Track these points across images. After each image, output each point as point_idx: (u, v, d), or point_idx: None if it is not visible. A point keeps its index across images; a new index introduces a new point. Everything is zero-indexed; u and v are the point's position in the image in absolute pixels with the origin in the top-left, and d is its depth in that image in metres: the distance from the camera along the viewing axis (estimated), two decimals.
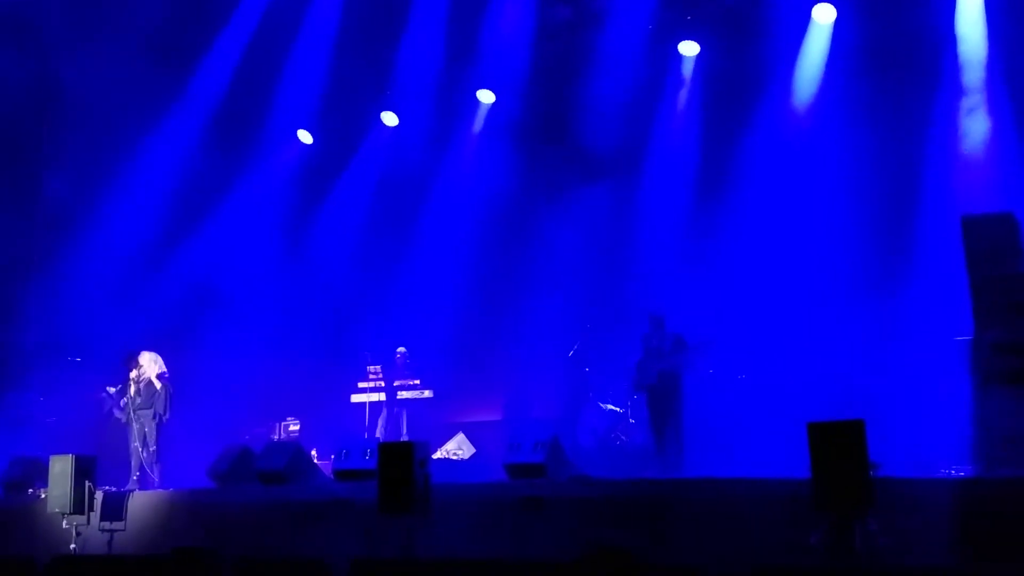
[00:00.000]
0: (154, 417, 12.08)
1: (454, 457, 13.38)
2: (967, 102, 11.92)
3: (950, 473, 7.61)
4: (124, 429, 12.28)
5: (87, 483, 9.61)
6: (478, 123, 15.51)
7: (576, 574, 3.79)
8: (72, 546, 9.49)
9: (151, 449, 11.98)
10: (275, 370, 15.27)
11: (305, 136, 16.21)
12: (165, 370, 12.36)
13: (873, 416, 6.44)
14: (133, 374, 12.23)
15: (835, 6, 12.87)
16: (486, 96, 15.32)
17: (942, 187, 11.73)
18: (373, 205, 16.13)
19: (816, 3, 12.93)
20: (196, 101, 14.92)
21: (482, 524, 7.97)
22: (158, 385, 12.14)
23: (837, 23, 12.93)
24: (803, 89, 13.15)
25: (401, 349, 14.37)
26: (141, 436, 11.97)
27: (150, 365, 12.28)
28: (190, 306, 14.80)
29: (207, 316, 14.87)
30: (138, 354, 12.39)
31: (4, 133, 13.56)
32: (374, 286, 15.69)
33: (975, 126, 11.85)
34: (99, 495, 9.91)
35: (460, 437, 13.83)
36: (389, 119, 16.00)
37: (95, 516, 9.76)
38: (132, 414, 12.08)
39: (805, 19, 13.12)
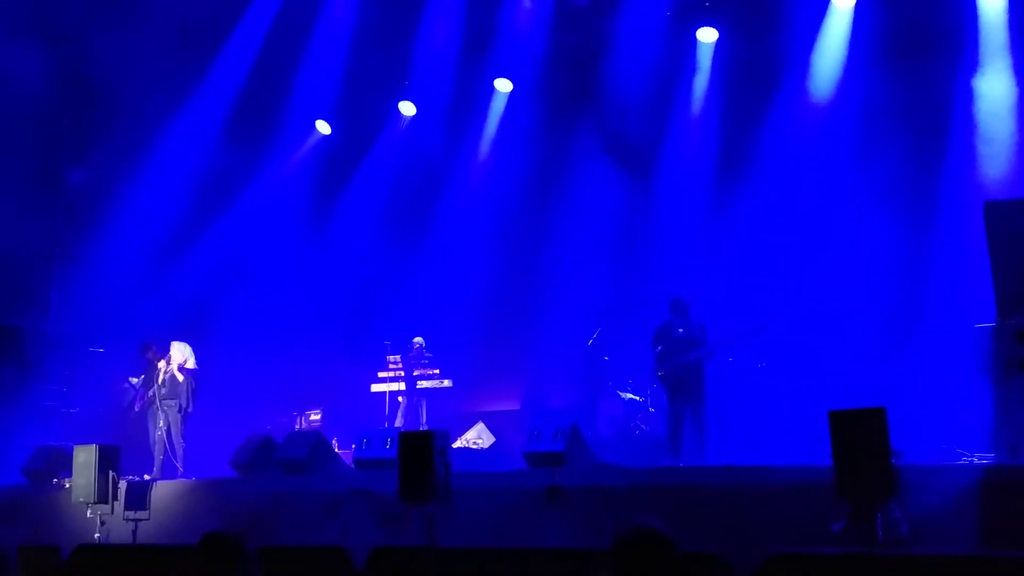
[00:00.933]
0: (178, 409, 12.18)
1: (474, 446, 13.42)
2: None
3: (972, 461, 7.58)
4: (146, 419, 12.38)
5: (111, 472, 9.68)
6: (496, 112, 15.48)
7: (608, 561, 3.72)
8: (96, 535, 9.57)
9: (176, 440, 12.07)
10: (296, 360, 15.36)
11: (324, 127, 16.23)
12: (192, 362, 12.45)
13: (895, 403, 6.41)
14: (161, 364, 12.32)
15: None
16: (504, 85, 15.29)
17: (964, 172, 11.64)
18: (392, 195, 16.16)
19: None
20: (216, 91, 14.96)
21: (502, 513, 7.99)
22: (180, 377, 12.22)
23: (857, 7, 12.81)
24: (823, 75, 13.05)
25: (418, 340, 14.39)
26: (165, 426, 12.05)
27: (176, 356, 12.37)
28: (212, 296, 14.89)
29: (228, 306, 14.96)
30: (156, 344, 12.48)
31: (27, 125, 13.63)
32: (394, 276, 15.73)
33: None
34: (123, 484, 10.00)
35: (480, 426, 13.86)
36: (407, 109, 16.01)
37: (119, 505, 9.84)
38: (158, 403, 12.17)
39: (824, 3, 13.02)
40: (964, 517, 6.11)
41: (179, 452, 12.03)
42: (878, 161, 12.29)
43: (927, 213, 11.84)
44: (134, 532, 9.83)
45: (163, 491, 10.15)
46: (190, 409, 12.26)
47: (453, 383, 14.15)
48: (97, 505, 9.62)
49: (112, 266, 14.16)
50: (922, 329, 11.03)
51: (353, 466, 9.98)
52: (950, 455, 7.92)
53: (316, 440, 10.22)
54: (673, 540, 3.70)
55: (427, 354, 14.31)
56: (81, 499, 9.69)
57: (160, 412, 12.12)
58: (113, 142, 14.45)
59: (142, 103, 14.17)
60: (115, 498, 9.75)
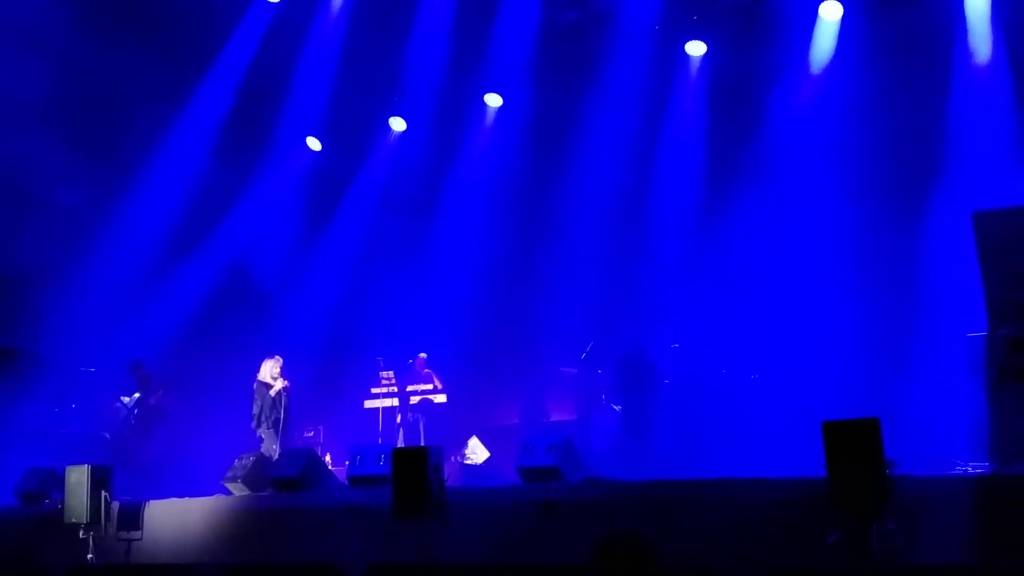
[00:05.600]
0: (266, 424, 12.76)
1: (468, 461, 13.38)
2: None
3: (966, 470, 7.58)
4: (139, 438, 12.37)
5: (103, 493, 9.62)
6: (487, 127, 15.52)
7: (592, 569, 3.72)
8: (89, 556, 9.50)
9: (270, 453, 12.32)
10: (288, 377, 15.30)
11: (314, 143, 16.24)
12: (264, 375, 13.10)
13: (888, 414, 6.41)
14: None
15: (842, 3, 12.83)
16: (494, 100, 15.33)
17: (954, 182, 11.69)
18: (384, 211, 16.17)
19: (822, 1, 12.91)
20: (206, 110, 14.98)
21: (497, 528, 7.96)
22: (269, 392, 12.84)
23: (844, 18, 12.89)
24: (811, 87, 13.12)
25: (422, 355, 14.38)
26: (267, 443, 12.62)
27: (262, 371, 12.85)
28: (203, 314, 14.85)
29: (220, 324, 14.92)
30: (146, 363, 12.64)
31: (17, 145, 13.61)
32: (386, 292, 15.72)
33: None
34: (115, 505, 9.94)
35: (474, 441, 13.83)
36: (397, 125, 16.03)
37: (112, 526, 9.78)
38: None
39: (812, 17, 13.09)
40: (959, 527, 6.09)
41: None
42: (869, 170, 12.34)
43: (919, 223, 11.88)
44: (127, 552, 9.77)
45: (156, 511, 10.08)
46: (271, 421, 12.82)
47: (448, 398, 14.12)
48: (90, 526, 9.56)
49: (103, 286, 14.12)
50: (915, 339, 11.05)
51: (347, 483, 9.94)
52: (944, 465, 7.92)
53: (309, 457, 10.17)
54: (653, 548, 3.70)
55: (426, 370, 14.30)
56: (73, 520, 9.62)
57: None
58: (104, 161, 14.42)
59: (132, 124, 14.17)
60: (108, 518, 9.69)
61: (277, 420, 12.84)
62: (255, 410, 13.04)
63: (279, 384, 13.02)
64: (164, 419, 13.46)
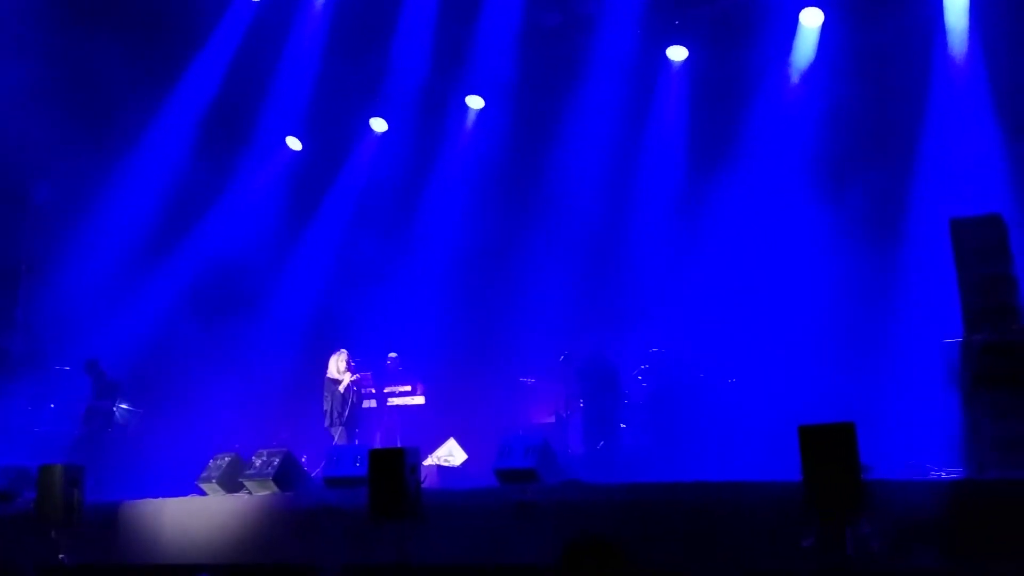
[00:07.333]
0: (330, 419, 12.90)
1: (445, 463, 13.34)
2: None
3: (941, 475, 7.62)
4: (112, 437, 12.28)
5: (76, 492, 9.53)
6: (467, 129, 15.51)
7: (562, 572, 3.75)
8: (61, 556, 9.41)
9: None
10: (265, 377, 15.22)
11: (293, 143, 16.17)
12: (332, 370, 13.24)
13: (864, 418, 6.45)
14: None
15: (823, 10, 12.91)
16: (475, 102, 15.33)
17: (932, 188, 11.78)
18: (362, 212, 16.12)
19: (803, 7, 12.98)
20: (186, 108, 14.91)
21: (473, 530, 7.95)
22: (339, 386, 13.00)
23: (825, 26, 12.97)
24: (791, 92, 13.19)
25: (392, 355, 14.33)
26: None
27: (330, 368, 13.11)
28: (179, 314, 14.75)
29: (196, 323, 14.83)
30: (98, 362, 12.58)
31: None
32: (364, 294, 15.66)
33: None
34: (88, 504, 9.83)
35: (451, 443, 13.78)
36: (378, 125, 15.99)
37: (84, 526, 9.68)
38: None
39: (793, 23, 13.17)
40: (933, 531, 6.13)
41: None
42: (847, 177, 12.42)
43: (896, 229, 11.96)
44: (100, 552, 9.68)
45: (129, 511, 10.00)
46: (343, 418, 12.95)
47: (426, 399, 14.08)
48: (62, 525, 9.46)
49: (77, 284, 14.01)
50: (891, 344, 11.13)
51: (323, 484, 9.89)
52: (919, 470, 7.97)
53: (285, 458, 10.11)
54: (620, 551, 3.74)
55: (400, 369, 14.26)
56: (46, 519, 9.52)
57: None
58: (79, 160, 14.30)
59: (109, 120, 14.08)
60: (80, 518, 9.59)
61: (349, 416, 12.85)
62: (326, 407, 13.06)
63: (347, 378, 13.04)
64: (107, 421, 13.27)
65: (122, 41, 13.39)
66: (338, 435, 12.93)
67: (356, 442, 12.73)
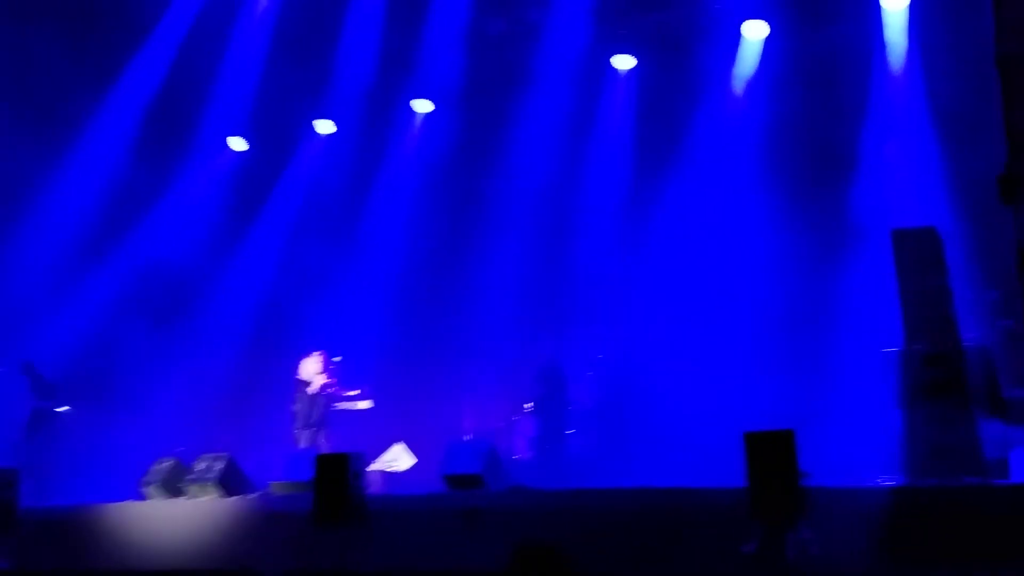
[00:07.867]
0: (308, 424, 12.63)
1: (390, 469, 13.25)
2: None
3: (879, 482, 7.75)
4: (57, 439, 12.04)
5: (9, 498, 9.31)
6: (415, 132, 15.48)
7: None
8: None
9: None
10: (210, 380, 14.99)
11: (237, 143, 15.97)
12: (303, 373, 12.92)
13: (805, 426, 6.54)
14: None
15: (767, 21, 13.09)
16: (422, 105, 15.30)
17: (874, 198, 11.98)
18: (308, 213, 15.96)
19: (745, 20, 13.16)
20: (128, 104, 14.63)
21: (419, 536, 7.91)
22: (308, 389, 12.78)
23: (768, 38, 13.16)
24: (734, 103, 13.36)
25: (337, 358, 14.20)
26: None
27: (302, 370, 12.87)
28: (121, 315, 14.48)
29: (139, 325, 14.57)
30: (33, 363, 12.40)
31: None
32: (310, 295, 15.51)
33: None
34: (24, 509, 9.61)
35: (398, 447, 13.69)
36: (324, 127, 15.87)
37: (19, 532, 9.46)
38: None
39: (737, 35, 13.35)
40: (872, 537, 6.23)
41: None
42: (791, 186, 12.59)
43: (840, 238, 12.14)
44: (35, 559, 9.46)
45: (66, 516, 9.80)
46: (311, 420, 12.69)
47: (373, 403, 13.98)
48: None
49: (15, 284, 13.68)
50: (832, 353, 11.30)
51: (267, 488, 9.80)
52: (859, 477, 8.09)
53: (227, 463, 9.99)
54: (566, 558, 3.76)
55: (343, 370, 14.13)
56: None
57: None
58: (16, 156, 13.96)
59: (47, 116, 13.77)
60: (14, 524, 9.36)
61: (318, 419, 12.64)
62: (295, 409, 12.83)
63: (318, 381, 12.83)
64: (52, 423, 13.01)
65: (65, 33, 13.13)
66: (305, 439, 12.72)
67: (322, 446, 12.53)
